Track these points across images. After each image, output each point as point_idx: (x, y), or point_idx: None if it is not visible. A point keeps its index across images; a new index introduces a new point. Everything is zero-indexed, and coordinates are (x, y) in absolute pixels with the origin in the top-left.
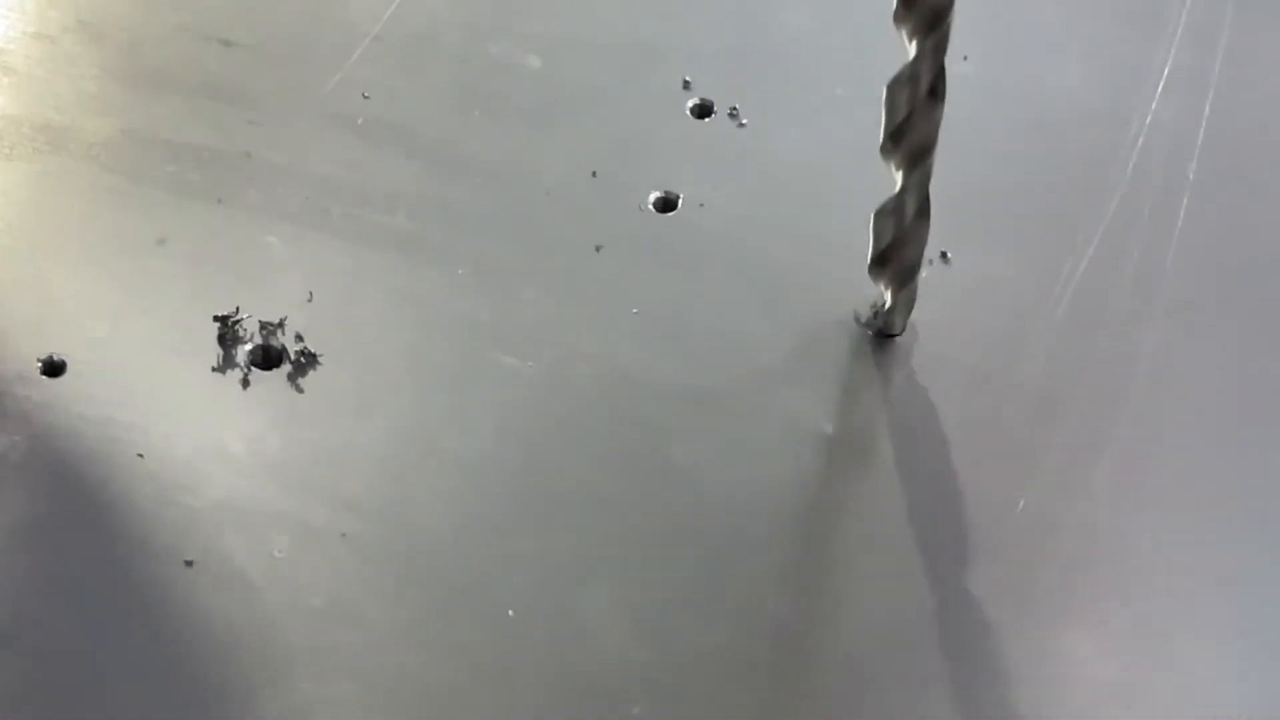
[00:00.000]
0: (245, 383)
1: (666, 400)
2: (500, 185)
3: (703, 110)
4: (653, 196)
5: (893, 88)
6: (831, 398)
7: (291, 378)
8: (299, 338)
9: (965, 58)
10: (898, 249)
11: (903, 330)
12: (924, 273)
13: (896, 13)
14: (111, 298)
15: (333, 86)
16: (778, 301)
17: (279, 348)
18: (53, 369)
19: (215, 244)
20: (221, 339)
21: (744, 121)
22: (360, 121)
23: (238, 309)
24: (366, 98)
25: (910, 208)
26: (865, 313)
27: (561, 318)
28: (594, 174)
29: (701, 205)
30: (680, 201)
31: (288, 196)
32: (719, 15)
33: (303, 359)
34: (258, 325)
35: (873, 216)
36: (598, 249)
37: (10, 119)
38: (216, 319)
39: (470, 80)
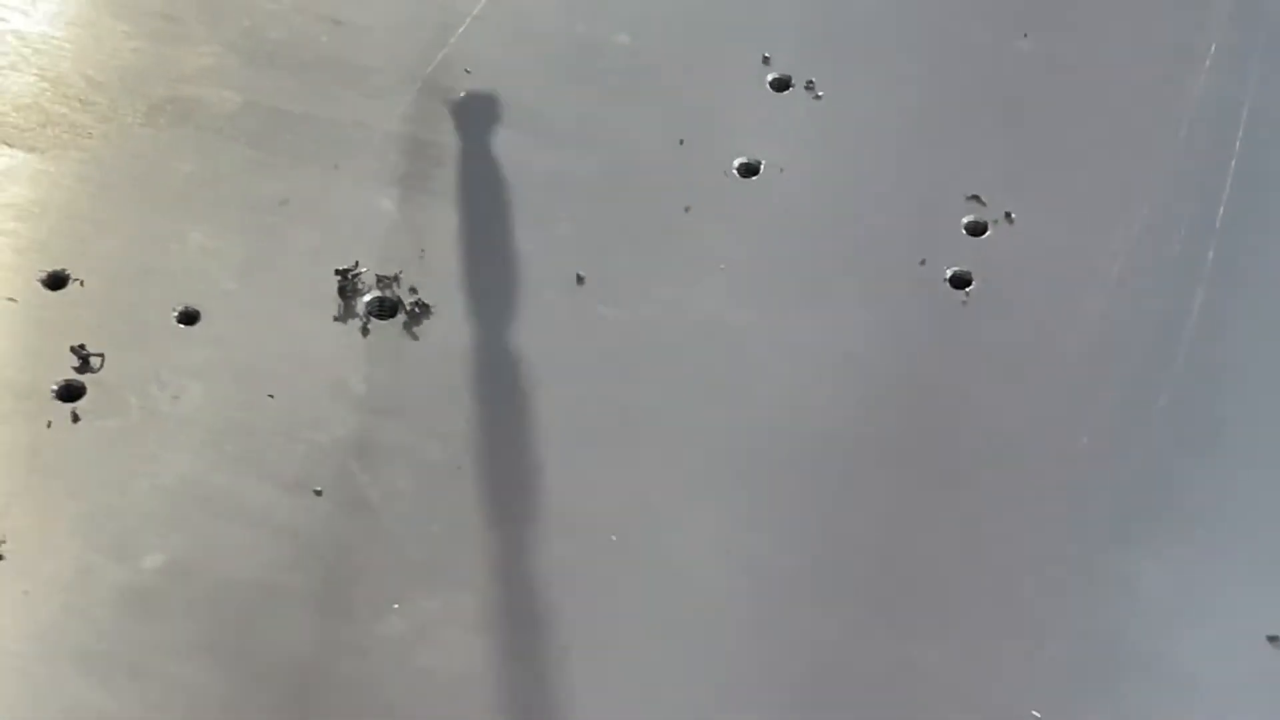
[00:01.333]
0: (365, 331)
1: (750, 343)
2: (594, 152)
3: (781, 84)
4: (737, 162)
5: None
6: (902, 341)
7: (407, 326)
8: (413, 290)
9: (1025, 35)
10: None
11: None
12: (989, 233)
13: None
14: (240, 253)
15: (436, 63)
16: (854, 255)
17: (395, 299)
18: (188, 318)
19: (333, 205)
20: (342, 291)
21: (820, 94)
22: (462, 94)
23: (356, 263)
24: (468, 72)
25: None
26: None
27: (655, 273)
28: (681, 142)
29: (782, 170)
30: (762, 167)
31: (397, 162)
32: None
33: (417, 309)
34: (375, 278)
35: None
36: (687, 209)
37: (139, 91)
38: (337, 272)
39: (563, 56)
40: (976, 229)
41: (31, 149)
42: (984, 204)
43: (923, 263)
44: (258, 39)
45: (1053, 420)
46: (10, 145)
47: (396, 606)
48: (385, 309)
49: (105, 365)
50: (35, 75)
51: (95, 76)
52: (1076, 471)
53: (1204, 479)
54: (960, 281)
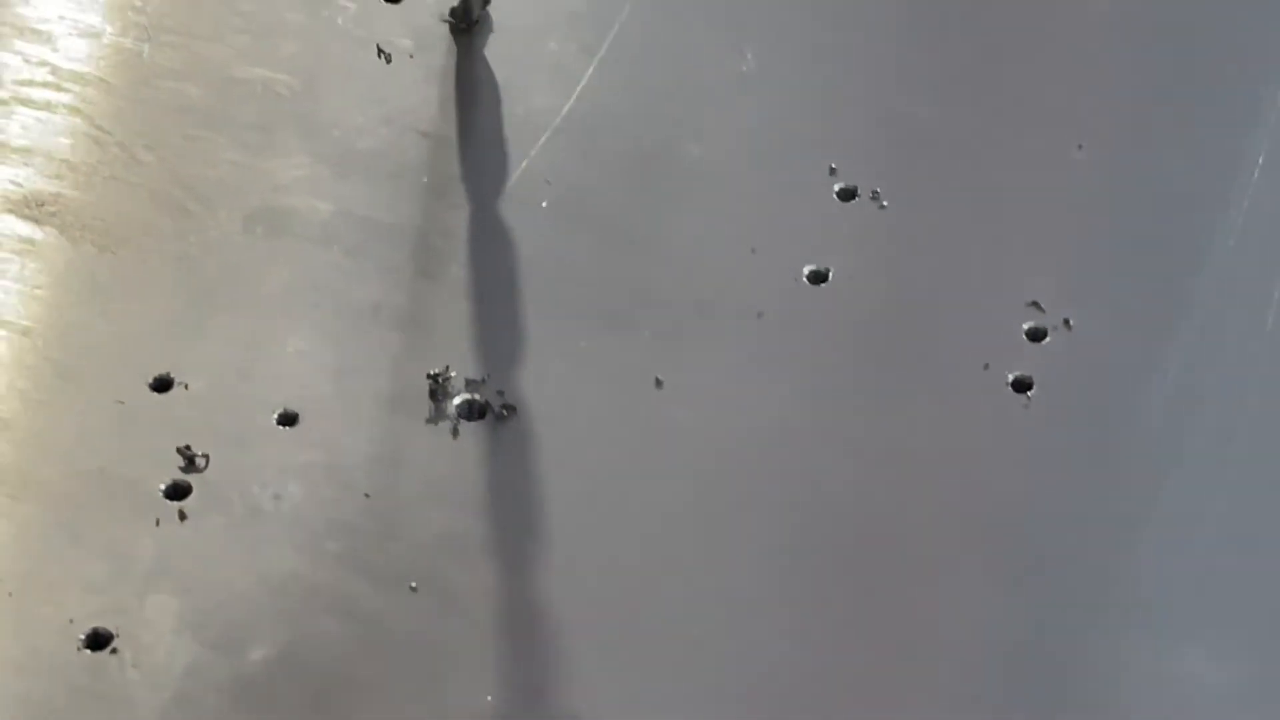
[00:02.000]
0: (455, 432)
1: (819, 446)
2: (670, 259)
3: (848, 194)
4: (806, 270)
5: None
6: (966, 444)
7: (495, 429)
8: (500, 393)
9: (1080, 146)
10: None
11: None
12: (1049, 338)
13: None
14: (335, 358)
15: (519, 173)
16: (919, 360)
17: (483, 402)
18: (288, 420)
19: (422, 311)
20: (432, 394)
21: (885, 204)
22: (544, 205)
23: (446, 367)
24: (549, 183)
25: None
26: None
27: (729, 377)
28: (753, 250)
29: (849, 278)
30: (830, 275)
31: (482, 269)
32: (860, 108)
33: (504, 412)
34: (464, 382)
35: None
36: (759, 316)
37: (236, 200)
38: (428, 376)
39: (638, 166)
40: (1037, 334)
41: (134, 256)
42: (1043, 310)
43: (986, 367)
44: (348, 149)
45: (1113, 524)
46: (114, 253)
47: (490, 699)
48: (474, 411)
49: (210, 465)
50: (137, 184)
51: (194, 186)
52: (1140, 573)
53: (1266, 583)
54: (1022, 386)
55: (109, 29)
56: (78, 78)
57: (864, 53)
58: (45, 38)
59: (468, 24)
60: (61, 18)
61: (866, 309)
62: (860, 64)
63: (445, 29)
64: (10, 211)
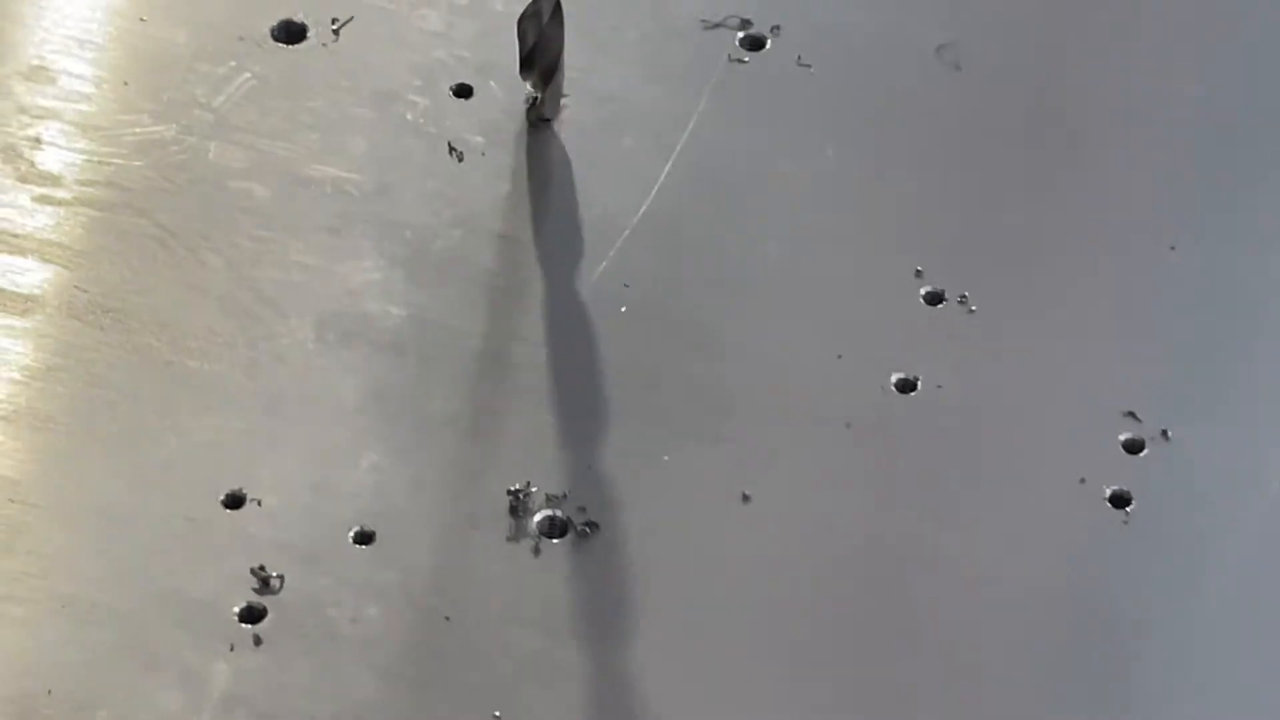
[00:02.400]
0: (536, 550)
1: (911, 561)
2: (754, 365)
3: (935, 297)
4: (894, 378)
5: (521, 21)
6: (1064, 562)
7: (577, 546)
8: (582, 509)
9: (1172, 247)
10: (539, 52)
11: (554, 117)
12: (1146, 451)
13: None
14: (412, 471)
15: (596, 276)
16: (1012, 473)
17: (564, 518)
18: (364, 538)
19: (501, 422)
20: (512, 510)
21: (973, 308)
22: (623, 309)
23: (527, 483)
24: (627, 286)
25: (546, 13)
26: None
27: (818, 490)
28: (839, 356)
29: (938, 386)
30: (919, 383)
31: (565, 378)
32: (946, 211)
33: (586, 529)
34: (544, 497)
35: (517, 23)
36: (847, 426)
37: (308, 305)
38: (508, 492)
39: (718, 268)
40: (1133, 446)
41: (203, 365)
42: (1139, 420)
43: (1082, 481)
44: (421, 251)
45: (1219, 641)
46: (182, 361)
47: None
48: (555, 529)
49: (285, 586)
50: (204, 288)
51: (263, 290)
52: (1244, 690)
53: None
54: (1120, 501)
55: (174, 127)
56: (142, 178)
57: (949, 150)
58: (108, 137)
59: (543, 116)
60: (124, 116)
61: (956, 419)
62: (946, 162)
63: (517, 125)
64: (75, 317)
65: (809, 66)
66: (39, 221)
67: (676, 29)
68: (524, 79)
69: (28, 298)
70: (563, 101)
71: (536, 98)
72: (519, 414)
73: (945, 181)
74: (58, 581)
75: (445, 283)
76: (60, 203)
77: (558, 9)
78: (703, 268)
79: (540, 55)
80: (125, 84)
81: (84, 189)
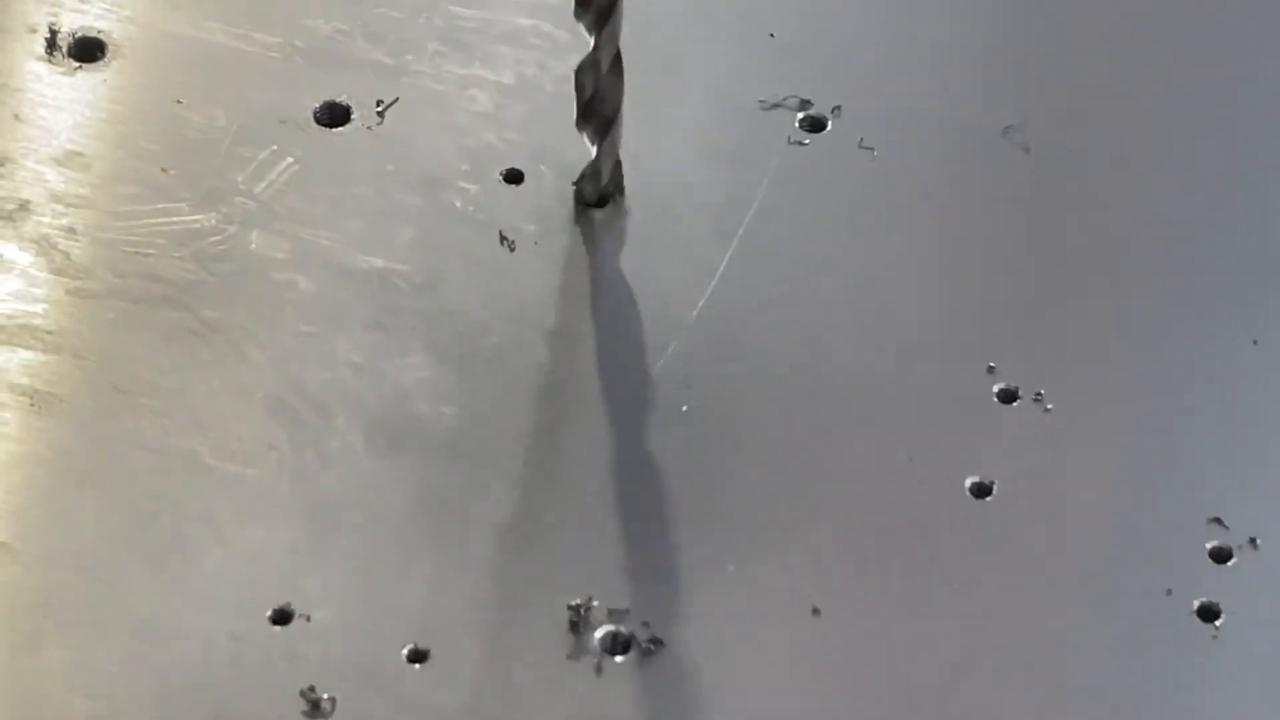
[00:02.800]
0: (598, 669)
1: (991, 675)
2: (821, 473)
3: (1008, 395)
4: (968, 482)
5: (579, 73)
6: (1151, 677)
7: (641, 664)
8: (645, 624)
9: (1255, 341)
10: (597, 102)
11: (605, 186)
12: (1235, 559)
13: (576, 10)
14: (467, 585)
15: (657, 373)
16: (1095, 584)
17: (628, 634)
18: (418, 656)
19: (561, 532)
20: (573, 626)
21: (1049, 406)
22: (685, 409)
23: (589, 597)
24: (689, 385)
25: (605, 63)
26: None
27: (892, 603)
28: (910, 459)
29: (1015, 490)
30: (995, 487)
31: (625, 482)
32: (1017, 302)
33: (651, 645)
34: (606, 612)
35: (574, 74)
36: (921, 534)
37: (357, 408)
38: (568, 607)
39: (781, 367)
40: (1221, 555)
41: (247, 472)
42: (1226, 527)
43: (1169, 593)
44: (472, 348)
45: None
46: (225, 467)
47: None
48: (618, 645)
49: (337, 709)
50: (248, 388)
51: (309, 391)
52: None
53: None
54: (1208, 614)
55: (214, 216)
56: (181, 269)
57: (1019, 237)
58: (146, 227)
59: (598, 195)
60: (162, 204)
61: (1035, 526)
62: (1016, 250)
63: (570, 212)
64: (111, 417)
65: (872, 149)
66: (73, 316)
67: (734, 109)
68: (580, 130)
69: (61, 397)
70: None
71: (586, 174)
72: (577, 521)
73: (1016, 271)
74: (93, 704)
75: (498, 380)
76: (95, 296)
77: (617, 59)
78: (766, 364)
79: (598, 106)
80: (163, 170)
81: (120, 281)
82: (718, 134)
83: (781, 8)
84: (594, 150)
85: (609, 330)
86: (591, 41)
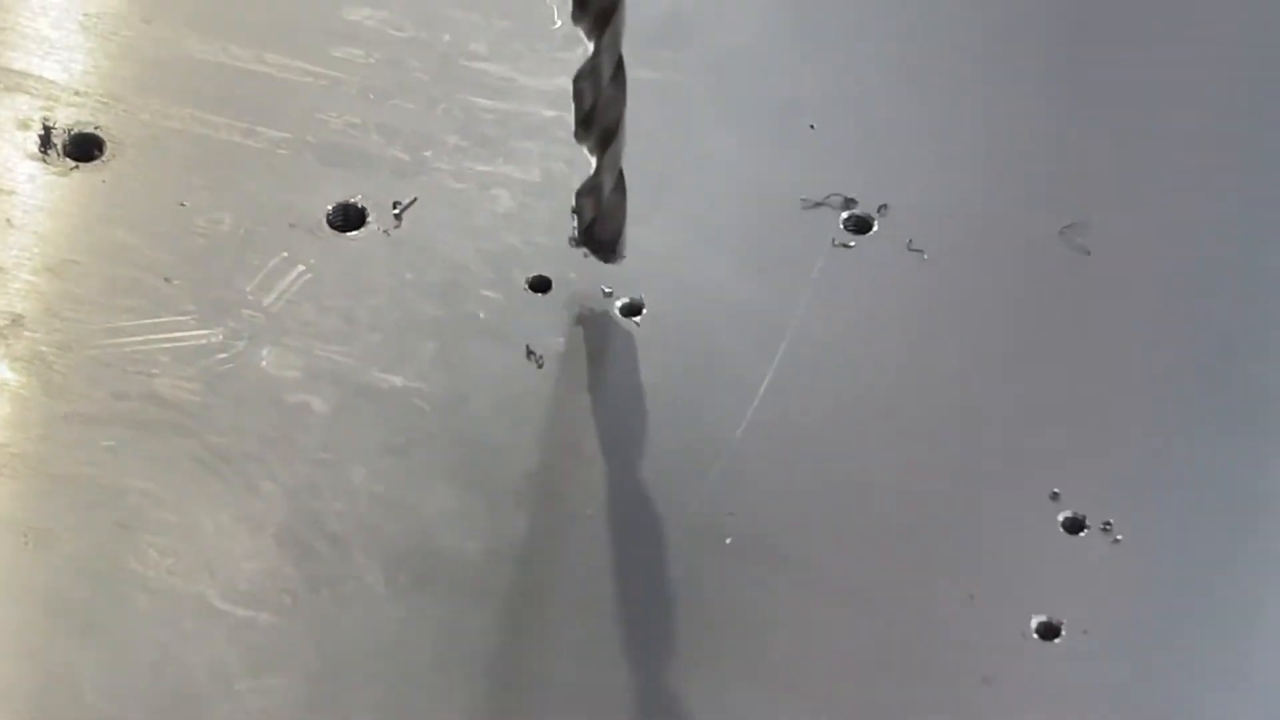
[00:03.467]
0: None
1: None
2: (876, 609)
3: (1075, 525)
4: (1034, 622)
5: (578, 81)
6: None
7: None
8: None
9: None
10: (600, 223)
11: (607, 213)
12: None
13: (573, 14)
14: None
15: (698, 502)
16: None
17: None
18: None
19: (600, 681)
20: None
21: (1119, 537)
22: (729, 540)
23: None
24: (733, 514)
25: (607, 186)
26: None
27: None
28: (971, 597)
29: (1085, 631)
30: (1063, 628)
31: (667, 625)
32: (1083, 421)
33: None
34: None
35: (575, 197)
36: (985, 681)
37: (376, 542)
38: None
39: (834, 493)
40: None
41: (260, 617)
42: None
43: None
44: (499, 475)
45: None
46: (235, 611)
47: None
48: None
49: None
50: (259, 522)
51: (325, 524)
52: None
53: None
54: None
55: (221, 331)
56: (186, 391)
57: (1082, 349)
58: (147, 344)
59: (605, 233)
60: (165, 318)
61: (1109, 671)
62: (1079, 363)
63: (604, 322)
64: (107, 557)
65: (921, 252)
66: (69, 443)
67: (773, 208)
68: (579, 142)
69: (57, 534)
70: (653, 298)
71: (584, 189)
72: (617, 671)
73: (1080, 387)
74: None
75: (528, 511)
76: (93, 420)
77: (619, 66)
78: (815, 493)
79: (599, 116)
80: (166, 280)
81: (120, 404)
82: (756, 236)
83: (822, 96)
84: (594, 163)
85: (646, 455)
86: (591, 47)
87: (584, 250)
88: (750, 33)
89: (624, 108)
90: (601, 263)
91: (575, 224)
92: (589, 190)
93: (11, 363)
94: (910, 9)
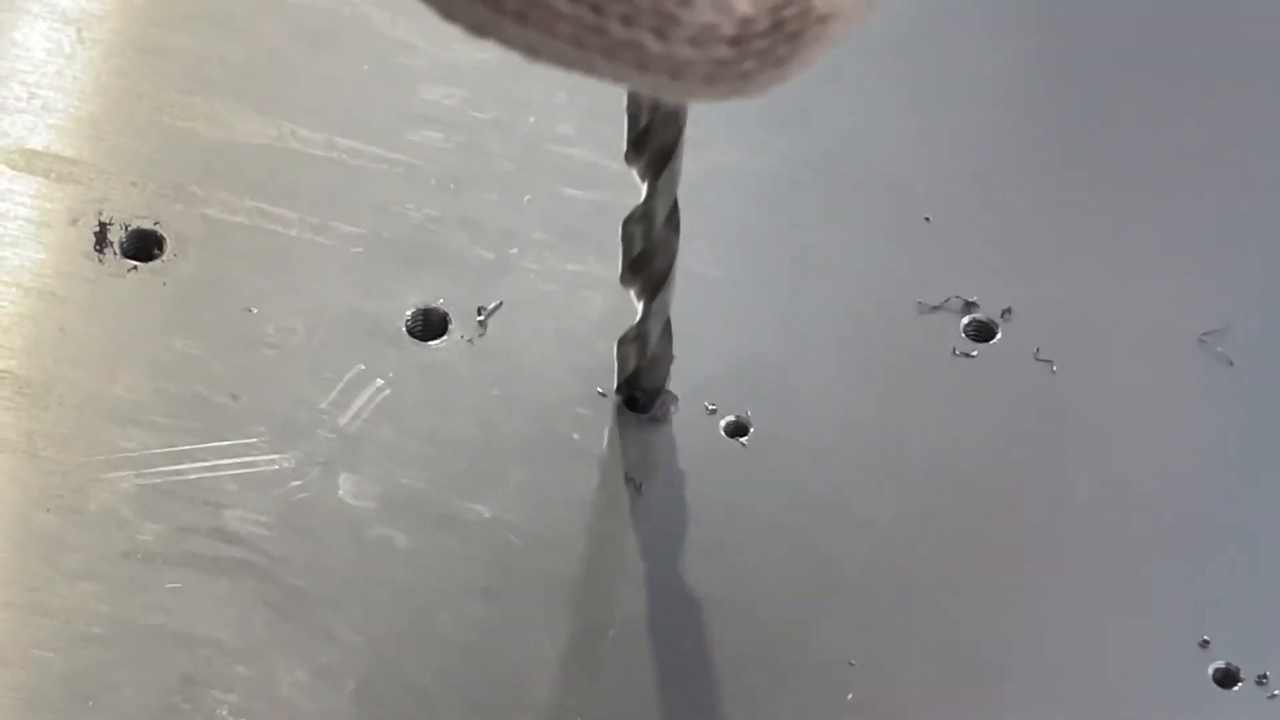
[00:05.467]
0: None
1: None
2: None
3: (1227, 678)
4: None
5: (628, 225)
6: None
7: None
8: None
9: None
10: (645, 374)
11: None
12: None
13: (627, 155)
14: None
15: (816, 651)
16: None
17: None
18: None
19: None
20: None
21: (1276, 693)
22: (850, 696)
23: None
24: (852, 665)
25: (654, 334)
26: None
27: None
28: None
29: None
30: None
31: None
32: (1236, 559)
33: None
34: None
35: (616, 345)
36: None
37: (468, 699)
38: None
39: (963, 638)
40: None
41: None
42: None
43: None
44: (599, 625)
45: None
46: None
47: None
48: None
49: None
50: (338, 674)
51: (411, 677)
52: None
53: None
54: None
55: (293, 456)
56: (256, 525)
57: (1229, 473)
58: (212, 470)
59: (648, 385)
60: (232, 441)
61: None
62: (1229, 488)
63: (707, 442)
64: (173, 710)
65: (1049, 362)
66: (127, 586)
67: (888, 313)
68: (625, 286)
69: (116, 688)
70: (759, 414)
71: (628, 337)
72: None
73: (1231, 518)
74: None
75: (635, 665)
76: (153, 559)
77: (674, 210)
78: (943, 639)
79: (649, 261)
80: (233, 397)
81: (185, 540)
82: (866, 343)
83: (939, 185)
84: (640, 309)
85: (757, 596)
86: (645, 190)
87: (620, 400)
88: (861, 114)
89: (676, 254)
90: (647, 419)
91: (616, 373)
92: (633, 338)
93: (64, 492)
94: (1037, 90)
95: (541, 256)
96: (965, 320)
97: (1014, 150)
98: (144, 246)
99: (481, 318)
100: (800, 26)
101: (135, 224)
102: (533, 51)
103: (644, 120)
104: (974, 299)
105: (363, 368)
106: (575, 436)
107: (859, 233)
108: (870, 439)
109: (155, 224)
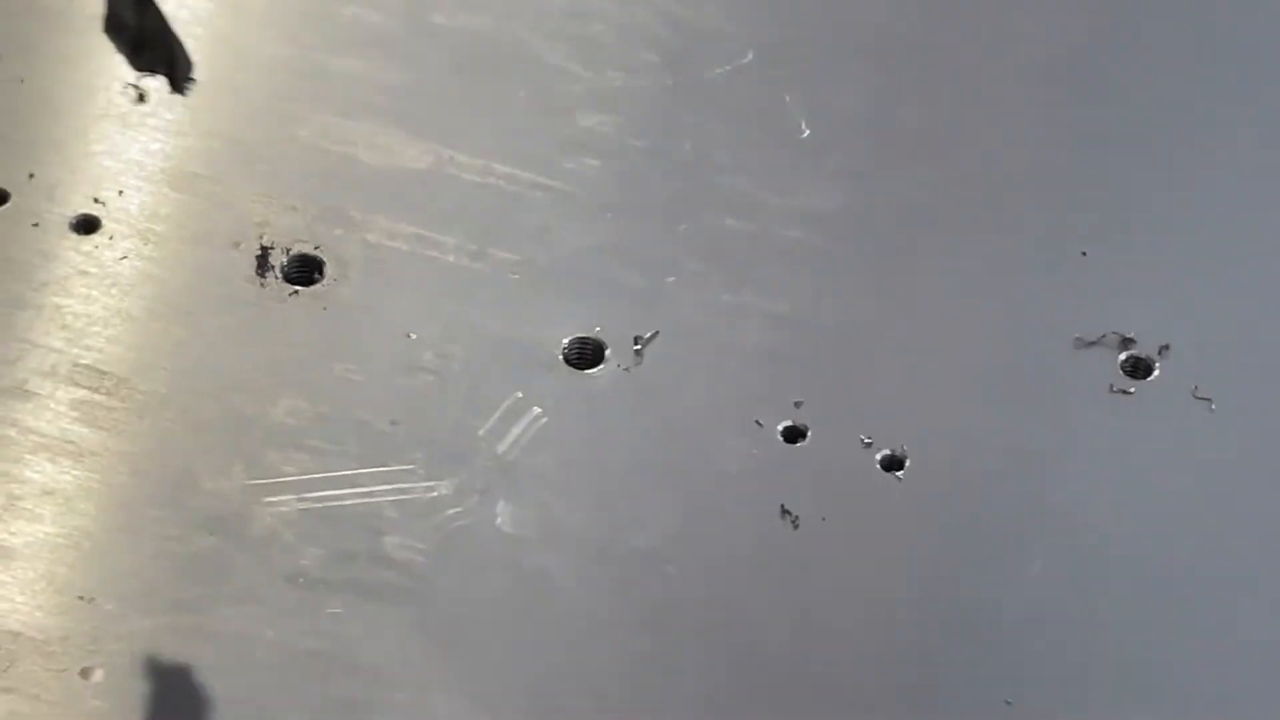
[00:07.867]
0: None
1: None
2: None
3: None
4: None
5: None
6: None
7: None
8: None
9: None
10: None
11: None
12: None
13: None
14: None
15: (973, 692)
16: None
17: None
18: None
19: None
20: None
21: None
22: None
23: None
24: (1009, 704)
25: None
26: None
27: None
28: None
29: None
30: None
31: None
32: None
33: None
34: None
35: None
36: None
37: None
38: None
39: (1127, 683)
40: None
41: None
42: None
43: None
44: (766, 656)
45: None
46: None
47: None
48: None
49: None
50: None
51: (575, 715)
52: None
53: None
54: None
55: (450, 483)
56: (415, 551)
57: None
58: (369, 504)
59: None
60: (387, 467)
61: None
62: None
63: (864, 476)
64: None
65: (1209, 401)
66: (290, 611)
67: (1044, 349)
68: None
69: (275, 712)
70: (915, 450)
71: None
72: None
73: None
74: None
75: (787, 694)
76: (316, 585)
77: None
78: (1105, 678)
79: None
80: (392, 424)
81: (346, 567)
82: (1020, 378)
83: (1095, 217)
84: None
85: (911, 632)
86: None
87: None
88: (1015, 147)
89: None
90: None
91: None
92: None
93: (226, 516)
94: (1194, 118)
95: (697, 286)
96: (1122, 356)
97: (1171, 181)
98: (305, 270)
99: (638, 347)
100: None
101: (296, 248)
102: None
103: None
104: (1131, 335)
105: (520, 395)
106: (732, 469)
107: (1014, 267)
108: (1026, 477)
109: (316, 248)
